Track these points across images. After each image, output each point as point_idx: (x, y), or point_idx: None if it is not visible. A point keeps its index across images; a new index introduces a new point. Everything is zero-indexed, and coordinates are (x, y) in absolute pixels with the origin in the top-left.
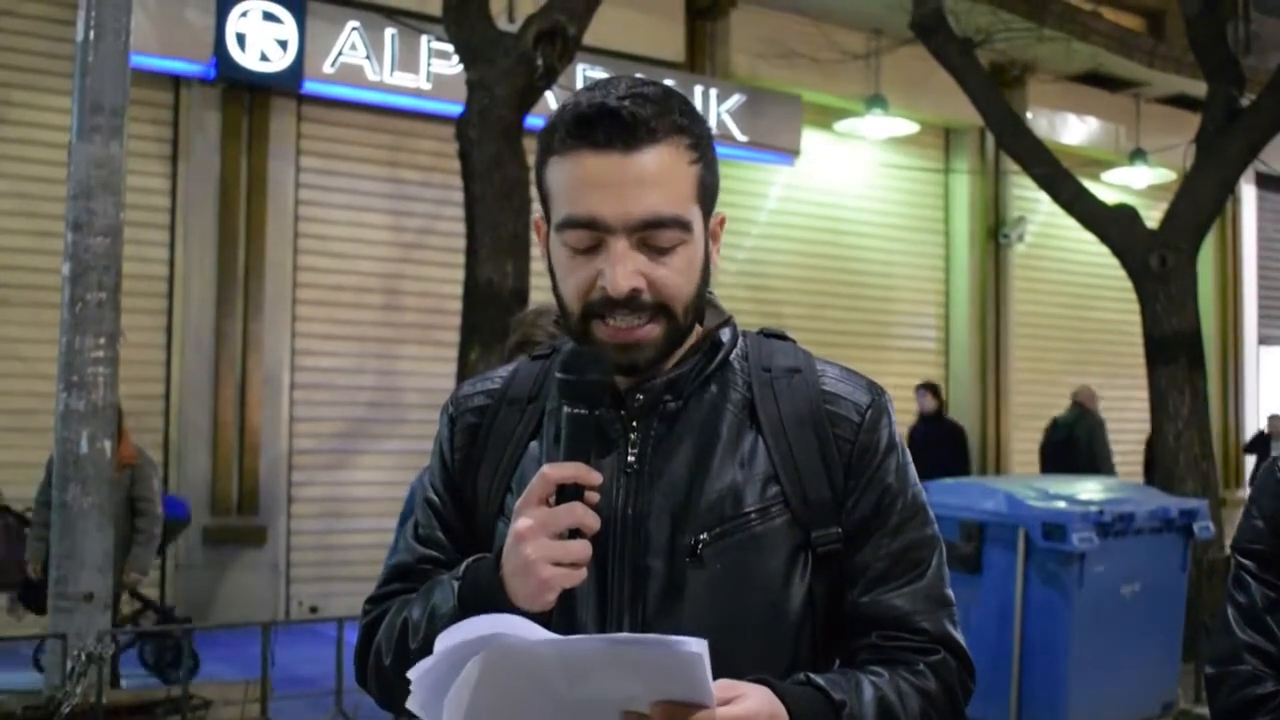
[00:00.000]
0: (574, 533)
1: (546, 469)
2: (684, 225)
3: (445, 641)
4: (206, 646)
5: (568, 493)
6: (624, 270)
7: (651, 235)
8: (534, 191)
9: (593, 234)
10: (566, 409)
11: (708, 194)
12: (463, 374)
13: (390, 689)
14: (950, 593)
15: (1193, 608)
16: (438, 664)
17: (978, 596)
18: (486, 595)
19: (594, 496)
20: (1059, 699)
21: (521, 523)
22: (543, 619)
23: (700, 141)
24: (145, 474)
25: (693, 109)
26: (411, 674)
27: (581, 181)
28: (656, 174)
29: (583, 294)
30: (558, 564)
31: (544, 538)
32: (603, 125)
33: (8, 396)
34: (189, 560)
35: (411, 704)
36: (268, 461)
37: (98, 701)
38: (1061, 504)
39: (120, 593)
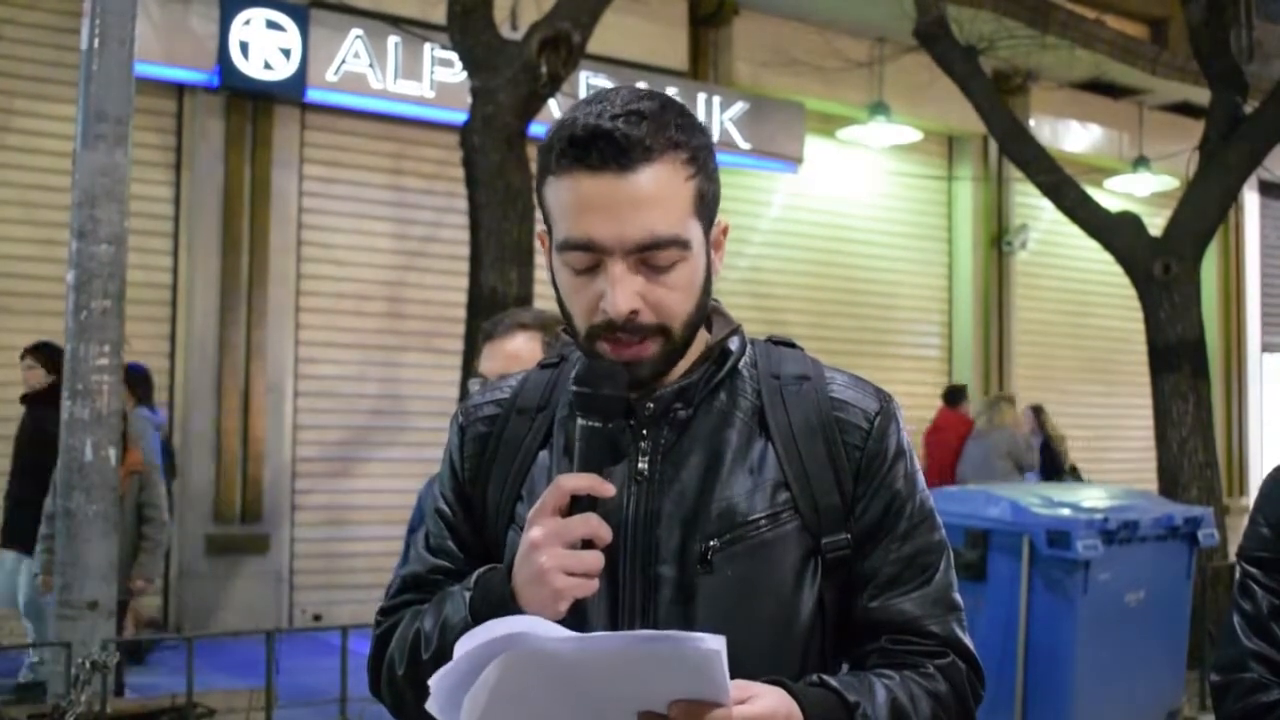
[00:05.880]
0: (587, 543)
1: (561, 479)
2: (682, 244)
3: (466, 644)
4: (210, 655)
5: (581, 503)
6: (623, 293)
7: (650, 256)
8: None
9: (591, 255)
10: (581, 421)
11: (707, 206)
12: (466, 382)
13: (403, 700)
14: (958, 597)
15: (1198, 615)
16: (457, 666)
17: (982, 604)
18: (498, 605)
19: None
20: (1063, 706)
21: (535, 532)
22: None
23: (698, 154)
24: (153, 481)
25: (691, 120)
26: (432, 680)
27: (578, 204)
28: (653, 194)
29: (588, 316)
30: (571, 574)
31: (558, 547)
32: (596, 147)
33: (11, 404)
34: (192, 569)
35: (431, 706)
36: (271, 470)
37: (102, 710)
38: (1066, 511)
39: (127, 601)
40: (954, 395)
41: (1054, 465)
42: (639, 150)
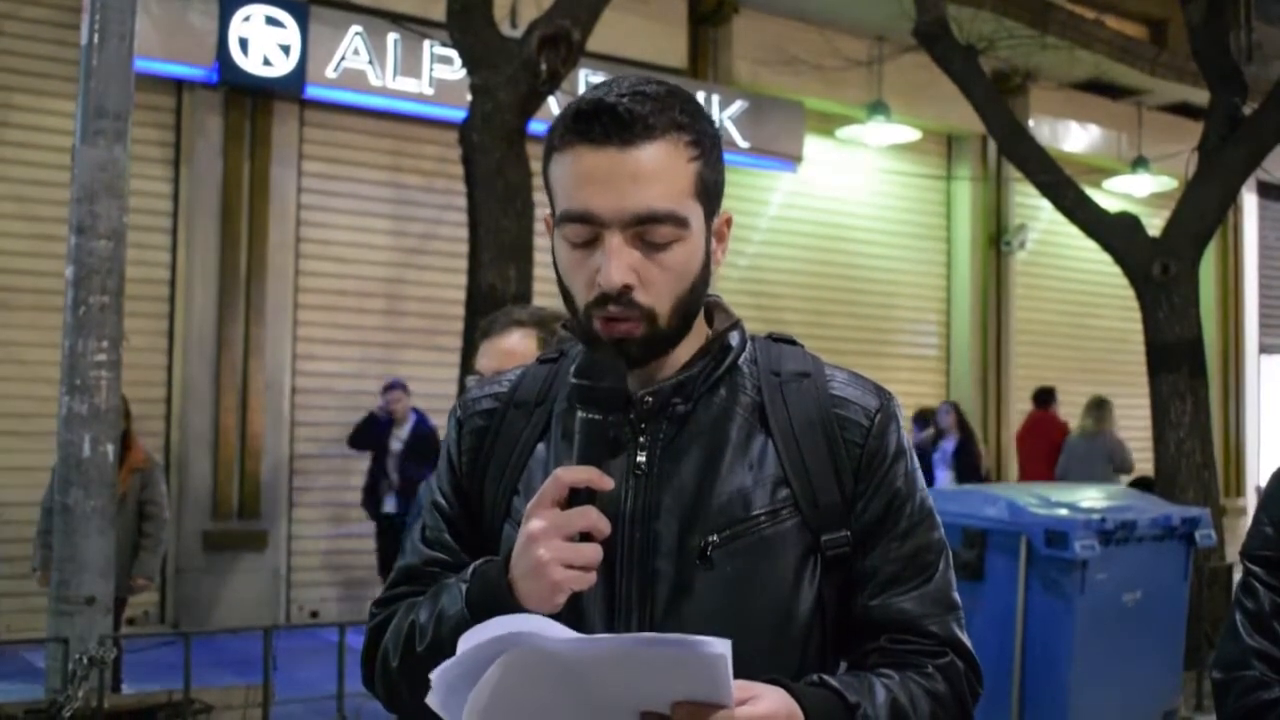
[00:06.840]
0: (585, 536)
1: (560, 471)
2: (680, 221)
3: (468, 641)
4: (207, 651)
5: (580, 496)
6: (617, 264)
7: (647, 230)
8: (537, 196)
9: (589, 228)
10: (580, 413)
11: (708, 192)
12: (464, 379)
13: (396, 692)
14: (957, 596)
15: (1194, 616)
16: (459, 663)
17: (980, 604)
18: (495, 597)
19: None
20: (1060, 706)
21: (534, 524)
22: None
23: (702, 139)
24: (155, 478)
25: (697, 107)
26: (433, 674)
27: (578, 176)
28: (652, 169)
29: (585, 292)
30: (569, 566)
31: (557, 540)
32: (599, 121)
33: (9, 400)
34: (190, 565)
35: (431, 700)
36: (269, 466)
37: (99, 706)
38: (1063, 511)
39: (125, 597)
40: (1045, 397)
41: (971, 467)
42: (640, 126)
